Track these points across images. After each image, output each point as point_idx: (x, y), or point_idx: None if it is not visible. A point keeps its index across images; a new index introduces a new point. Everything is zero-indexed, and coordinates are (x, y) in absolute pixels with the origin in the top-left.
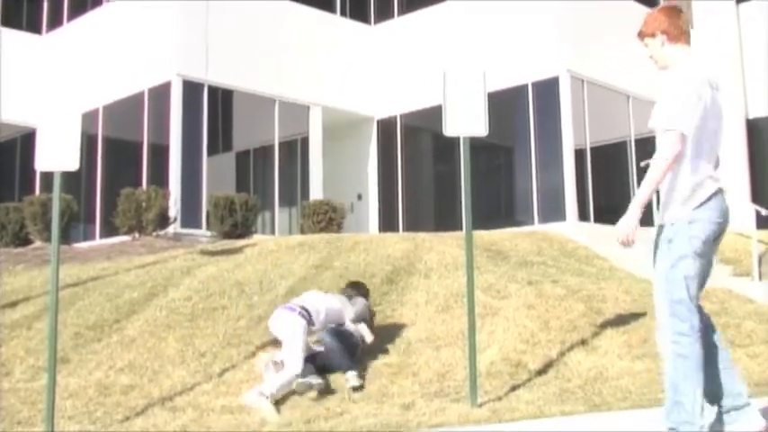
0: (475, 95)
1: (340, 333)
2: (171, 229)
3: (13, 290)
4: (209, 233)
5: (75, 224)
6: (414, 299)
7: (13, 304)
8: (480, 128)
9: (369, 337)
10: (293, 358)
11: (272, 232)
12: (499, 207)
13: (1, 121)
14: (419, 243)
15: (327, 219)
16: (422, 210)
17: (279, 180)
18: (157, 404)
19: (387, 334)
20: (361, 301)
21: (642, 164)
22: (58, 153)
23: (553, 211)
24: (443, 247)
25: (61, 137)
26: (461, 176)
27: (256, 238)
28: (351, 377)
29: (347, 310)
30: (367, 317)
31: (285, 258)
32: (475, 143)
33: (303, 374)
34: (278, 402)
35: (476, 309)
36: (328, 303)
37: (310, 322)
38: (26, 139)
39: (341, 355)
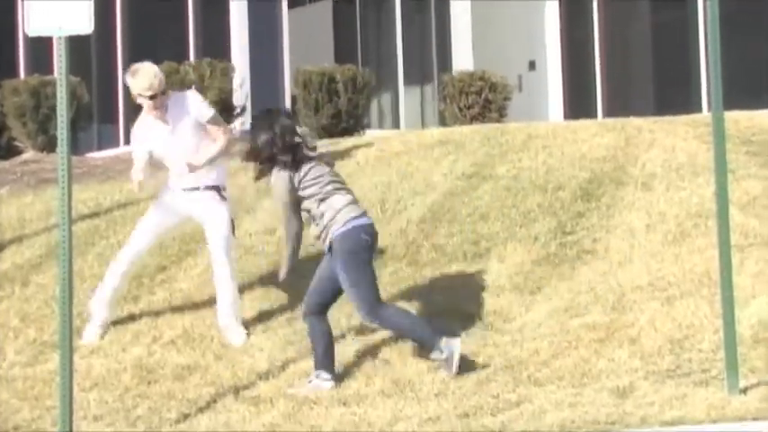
0: None
1: None
2: (237, 125)
3: None
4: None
5: (84, 124)
6: (626, 223)
7: None
8: None
9: None
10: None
11: (396, 125)
12: (764, 75)
13: None
14: (631, 135)
15: (482, 101)
16: (634, 83)
17: (403, 43)
18: (230, 393)
19: (585, 279)
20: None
21: None
22: (59, 8)
23: None
24: (672, 139)
25: None
26: (702, 27)
27: (371, 134)
28: None
29: None
30: None
31: (419, 164)
32: None
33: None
34: (422, 386)
35: (731, 237)
36: None
37: None
38: None
39: None
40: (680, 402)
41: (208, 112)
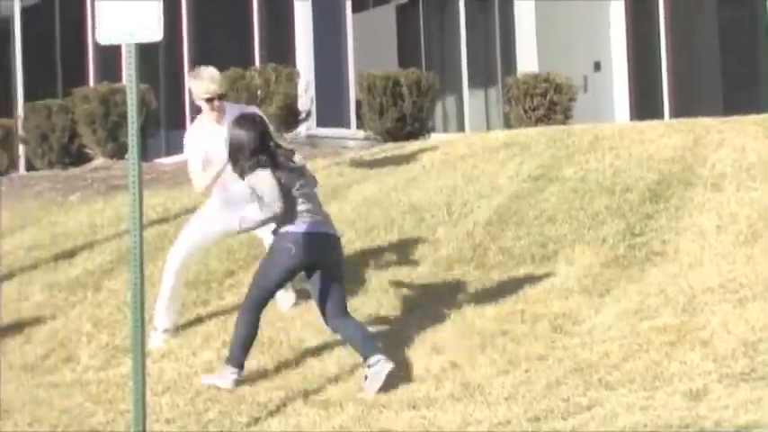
0: None
1: None
2: (302, 130)
3: (67, 232)
4: (361, 134)
5: (153, 130)
6: (697, 224)
7: (71, 254)
8: None
9: None
10: None
11: (461, 128)
12: None
13: None
14: (700, 135)
15: (548, 103)
16: (701, 83)
17: (467, 46)
18: (300, 397)
19: (654, 281)
20: None
21: None
22: (129, 16)
23: None
24: (742, 139)
25: None
26: None
27: (436, 137)
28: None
29: None
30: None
31: (484, 167)
32: None
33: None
34: (491, 390)
35: None
36: None
37: None
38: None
39: None
40: (755, 406)
41: None
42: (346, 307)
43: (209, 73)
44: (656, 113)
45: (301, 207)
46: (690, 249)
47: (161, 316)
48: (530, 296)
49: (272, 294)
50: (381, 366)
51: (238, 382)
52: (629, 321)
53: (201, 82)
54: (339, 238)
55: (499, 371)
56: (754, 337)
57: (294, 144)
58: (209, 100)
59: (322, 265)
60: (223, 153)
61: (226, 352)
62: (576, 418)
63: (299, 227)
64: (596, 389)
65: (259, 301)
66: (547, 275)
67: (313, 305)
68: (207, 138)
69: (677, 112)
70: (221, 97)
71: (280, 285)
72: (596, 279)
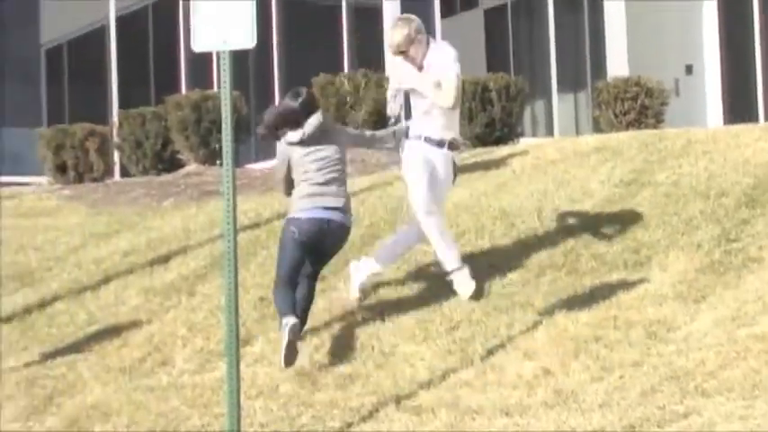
0: None
1: None
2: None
3: (162, 237)
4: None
5: (244, 136)
6: None
7: (165, 259)
8: None
9: None
10: None
11: (550, 132)
12: None
13: None
14: None
15: (638, 107)
16: None
17: (556, 50)
18: (392, 402)
19: (751, 287)
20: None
21: None
22: (223, 23)
23: None
24: None
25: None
26: None
27: (525, 142)
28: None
29: None
30: None
31: (575, 172)
32: None
33: None
34: (585, 397)
35: None
36: None
37: None
38: (163, 7)
39: None
40: None
41: (455, 67)
42: (316, 274)
43: (394, 31)
44: (750, 117)
45: (311, 189)
46: None
47: (449, 260)
48: (623, 302)
49: (290, 276)
50: (283, 333)
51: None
52: (725, 328)
53: (389, 37)
54: (342, 225)
55: (593, 377)
56: None
57: (384, 150)
58: (401, 53)
59: (321, 248)
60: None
61: (317, 357)
62: (672, 426)
63: (303, 213)
64: (693, 397)
65: (283, 280)
66: (640, 281)
67: (405, 309)
68: (404, 75)
69: None
70: (412, 43)
71: (294, 268)
72: (691, 285)
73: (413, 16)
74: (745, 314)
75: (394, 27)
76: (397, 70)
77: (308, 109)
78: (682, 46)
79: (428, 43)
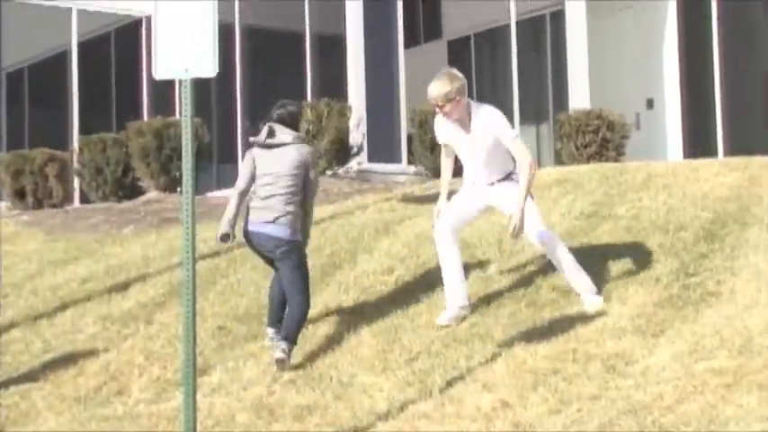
0: None
1: None
2: (354, 165)
3: (121, 264)
4: (411, 169)
5: (205, 164)
6: (752, 265)
7: (124, 286)
8: None
9: None
10: None
11: None
12: None
13: (92, 8)
14: (756, 174)
15: (600, 140)
16: (755, 121)
17: (518, 81)
18: None
19: (709, 322)
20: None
21: None
22: (185, 52)
23: None
24: None
25: (190, 27)
26: None
27: None
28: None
29: None
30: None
31: (536, 204)
32: None
33: None
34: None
35: None
36: None
37: None
38: (125, 34)
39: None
40: None
41: (510, 133)
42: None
43: (434, 84)
44: (709, 151)
45: (255, 203)
46: (746, 290)
47: (454, 293)
48: (582, 335)
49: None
50: (274, 344)
51: None
52: (683, 363)
53: (429, 89)
54: (271, 237)
55: (551, 410)
56: None
57: (345, 179)
58: (440, 107)
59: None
60: (466, 154)
61: (275, 387)
62: None
63: (247, 225)
64: (650, 431)
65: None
66: (599, 315)
67: (365, 340)
68: (451, 135)
69: (731, 151)
70: (451, 101)
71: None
72: (650, 319)
73: (459, 74)
74: (702, 348)
75: (436, 78)
76: (439, 127)
77: (294, 121)
78: (643, 80)
79: (469, 105)
